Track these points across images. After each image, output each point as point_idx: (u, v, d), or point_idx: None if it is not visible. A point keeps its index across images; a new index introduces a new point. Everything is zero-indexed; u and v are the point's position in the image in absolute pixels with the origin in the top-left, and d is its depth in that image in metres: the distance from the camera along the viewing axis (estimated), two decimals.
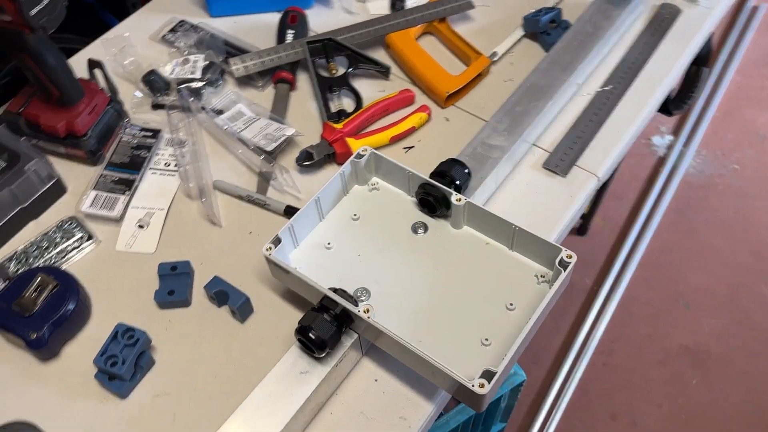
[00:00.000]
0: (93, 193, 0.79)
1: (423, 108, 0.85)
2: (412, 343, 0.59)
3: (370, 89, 0.90)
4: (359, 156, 0.72)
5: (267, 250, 0.65)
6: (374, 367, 0.67)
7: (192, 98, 0.87)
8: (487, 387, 0.56)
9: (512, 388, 1.19)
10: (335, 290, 0.62)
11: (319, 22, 0.99)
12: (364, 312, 0.60)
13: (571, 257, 0.63)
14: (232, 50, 0.92)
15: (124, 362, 0.64)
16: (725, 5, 1.01)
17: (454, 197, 0.68)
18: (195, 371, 0.67)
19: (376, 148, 0.81)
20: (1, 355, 0.68)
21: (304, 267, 0.68)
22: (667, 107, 1.03)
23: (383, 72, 0.90)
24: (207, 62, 0.89)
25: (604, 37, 0.88)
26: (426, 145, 0.85)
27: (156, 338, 0.69)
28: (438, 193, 0.69)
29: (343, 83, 0.88)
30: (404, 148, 0.84)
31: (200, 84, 0.88)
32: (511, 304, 0.64)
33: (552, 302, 0.62)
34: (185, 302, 0.71)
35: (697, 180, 1.92)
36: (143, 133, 0.85)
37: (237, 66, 0.88)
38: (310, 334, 0.60)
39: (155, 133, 0.85)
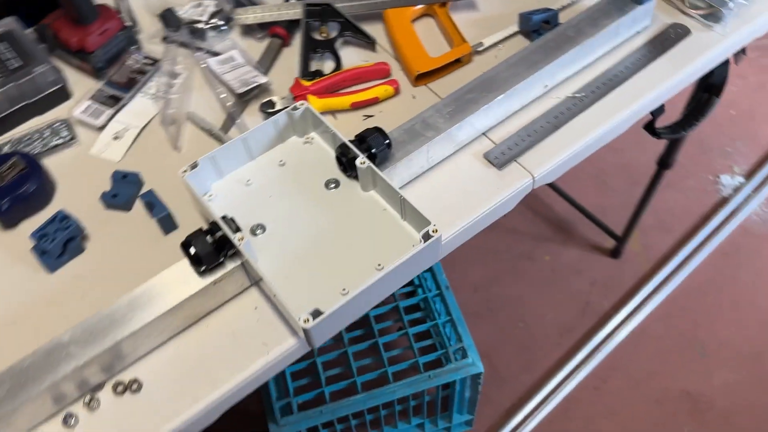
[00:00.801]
0: (87, 103, 0.91)
1: (391, 82, 0.90)
2: (270, 277, 0.65)
3: (354, 57, 0.96)
4: (295, 108, 0.78)
5: (183, 171, 0.73)
6: (258, 297, 0.74)
7: (194, 38, 0.96)
8: (311, 323, 0.61)
9: (469, 377, 1.22)
10: (225, 218, 0.70)
11: None
12: (239, 239, 0.67)
13: (436, 232, 0.66)
14: (244, 1, 1.01)
15: (53, 241, 0.76)
16: (746, 33, 0.96)
17: (359, 160, 0.72)
18: (112, 265, 0.77)
19: (336, 111, 0.88)
20: None
21: (220, 196, 0.77)
22: (653, 128, 1.00)
23: (369, 43, 0.96)
24: (217, 8, 0.99)
25: (584, 44, 0.88)
26: (385, 117, 0.89)
27: (91, 232, 0.80)
28: (349, 155, 0.74)
29: (328, 47, 0.95)
30: (364, 115, 0.90)
31: (205, 26, 0.97)
32: (379, 265, 0.69)
33: (401, 273, 0.66)
34: (126, 206, 0.82)
35: (758, 229, 1.80)
36: (145, 60, 0.96)
37: (240, 16, 0.97)
38: (190, 249, 0.68)
39: (155, 62, 0.95)
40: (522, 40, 0.97)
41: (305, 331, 0.62)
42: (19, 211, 0.81)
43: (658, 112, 0.94)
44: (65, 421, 0.66)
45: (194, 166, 0.74)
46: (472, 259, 1.77)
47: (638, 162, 1.93)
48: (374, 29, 0.99)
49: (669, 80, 0.91)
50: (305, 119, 0.80)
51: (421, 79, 0.92)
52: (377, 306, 1.32)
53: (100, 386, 0.69)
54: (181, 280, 0.70)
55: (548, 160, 0.83)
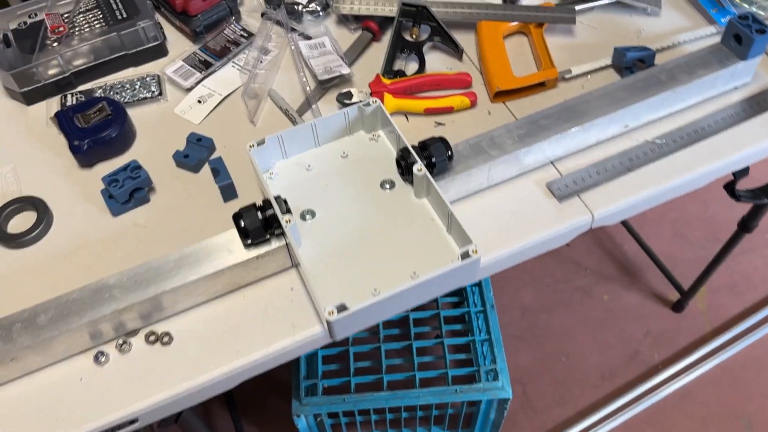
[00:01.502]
0: (180, 63, 0.96)
1: (469, 93, 0.90)
2: (308, 264, 0.67)
3: (438, 63, 0.96)
4: (367, 104, 0.80)
5: (250, 146, 0.76)
6: (296, 279, 0.76)
7: (291, 18, 0.99)
8: (335, 316, 0.62)
9: (496, 400, 1.21)
10: (278, 198, 0.72)
11: None
12: (286, 221, 0.69)
13: (475, 252, 0.66)
14: None
15: (122, 188, 0.80)
16: None
17: (417, 167, 0.73)
18: (170, 220, 0.81)
19: (409, 113, 0.89)
20: (59, 152, 0.88)
21: (280, 175, 0.79)
22: (733, 189, 0.95)
23: (457, 52, 0.96)
24: None
25: (675, 90, 0.85)
26: (456, 128, 0.89)
27: (158, 186, 0.84)
28: (409, 159, 0.75)
29: (415, 48, 0.95)
30: (436, 122, 0.90)
31: (302, 9, 1.00)
32: (415, 273, 0.69)
33: (431, 287, 0.66)
34: (195, 168, 0.86)
35: None
36: (242, 32, 0.99)
37: (338, 4, 0.99)
38: (240, 221, 0.70)
39: (250, 36, 0.99)
40: (612, 74, 0.94)
41: (328, 323, 0.63)
42: (97, 154, 0.86)
43: (741, 173, 0.90)
44: (96, 357, 0.71)
45: (261, 142, 0.76)
46: (527, 282, 1.74)
47: (721, 217, 1.84)
48: (465, 38, 0.98)
49: (760, 144, 0.86)
50: (375, 116, 0.81)
51: (501, 96, 0.91)
52: (419, 309, 1.33)
53: (134, 332, 0.73)
54: (228, 248, 0.73)
55: (612, 202, 0.81)
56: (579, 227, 0.80)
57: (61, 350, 0.70)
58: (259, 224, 0.70)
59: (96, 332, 0.70)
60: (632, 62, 0.91)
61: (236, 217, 0.71)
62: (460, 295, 1.37)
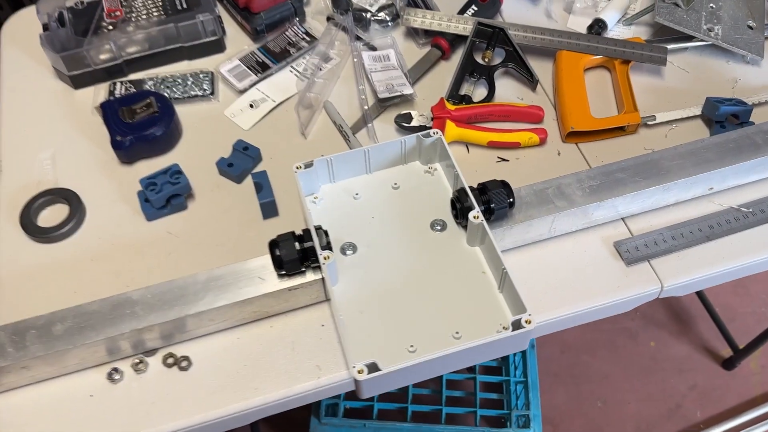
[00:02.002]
0: (236, 62, 0.91)
1: (539, 130, 0.82)
2: (343, 310, 0.62)
3: (509, 91, 0.89)
4: (427, 135, 0.73)
5: (296, 167, 0.71)
6: (328, 314, 0.71)
7: (358, 26, 0.93)
8: (365, 375, 0.57)
9: None
10: (319, 229, 0.66)
11: (514, 10, 0.98)
12: (324, 258, 0.64)
13: (529, 323, 0.59)
14: (417, 1, 0.96)
15: (159, 192, 0.76)
16: None
17: (473, 213, 0.66)
18: (206, 232, 0.77)
19: (470, 145, 0.82)
20: (100, 143, 0.84)
21: (325, 200, 0.74)
22: None
23: (531, 81, 0.88)
24: (389, 2, 0.95)
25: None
26: (520, 166, 0.82)
27: (198, 193, 0.80)
28: (465, 203, 0.68)
29: (486, 73, 0.88)
30: (499, 158, 0.83)
31: (371, 17, 0.94)
32: (458, 333, 0.63)
33: (474, 354, 0.59)
34: (238, 178, 0.81)
35: None
36: (304, 35, 0.94)
37: (409, 17, 0.92)
38: (276, 250, 0.65)
39: (313, 39, 0.93)
40: (701, 126, 0.85)
41: (356, 381, 0.57)
42: (140, 151, 0.82)
43: None
44: (110, 375, 0.67)
45: (309, 165, 0.71)
46: None
47: None
48: (541, 67, 0.91)
49: None
50: (434, 148, 0.74)
51: (574, 136, 0.83)
52: None
53: (152, 352, 0.68)
54: (260, 275, 0.68)
55: (686, 273, 0.73)
56: (644, 296, 0.73)
57: (74, 363, 0.66)
58: (296, 256, 0.65)
59: (113, 348, 0.66)
60: (725, 116, 0.82)
61: (272, 245, 0.65)
62: None
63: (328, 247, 0.65)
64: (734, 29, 0.91)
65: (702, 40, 0.90)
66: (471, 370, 1.21)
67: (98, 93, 0.89)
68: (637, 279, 0.72)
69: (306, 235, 0.66)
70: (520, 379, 1.19)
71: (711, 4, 0.92)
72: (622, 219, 0.77)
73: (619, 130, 0.84)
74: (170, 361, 0.68)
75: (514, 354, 1.25)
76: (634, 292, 0.72)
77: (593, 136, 0.84)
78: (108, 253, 0.76)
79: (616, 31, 0.95)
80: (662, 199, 0.76)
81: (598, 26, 0.93)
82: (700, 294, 1.63)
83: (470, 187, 0.69)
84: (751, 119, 0.83)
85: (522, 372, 1.20)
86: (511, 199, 0.69)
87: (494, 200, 0.68)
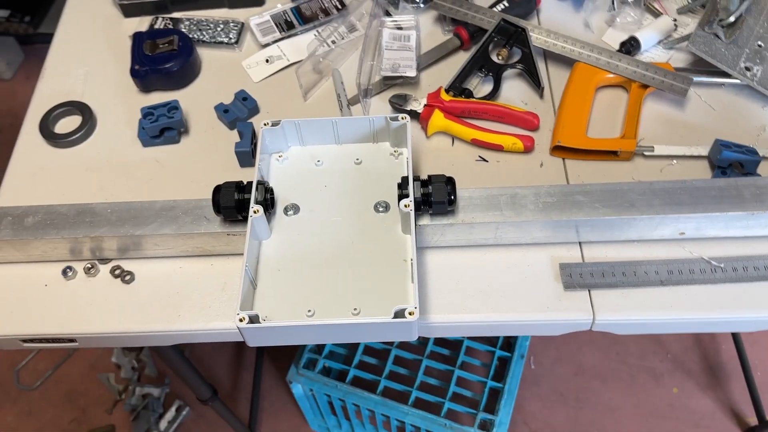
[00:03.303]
0: (266, 17, 0.96)
1: (526, 138, 0.81)
2: (252, 258, 0.66)
3: (515, 93, 0.87)
4: (395, 119, 0.74)
5: (264, 124, 0.75)
6: None
7: (389, 2, 0.95)
8: (243, 324, 0.61)
9: None
10: (261, 183, 0.70)
11: (552, 13, 0.95)
12: (254, 211, 0.68)
13: (412, 314, 0.60)
14: None
15: (155, 122, 0.83)
16: None
17: (404, 202, 0.67)
18: (188, 168, 0.83)
19: (454, 138, 0.83)
20: (126, 71, 0.92)
21: (290, 161, 0.78)
22: None
23: (537, 89, 0.86)
24: None
25: (754, 215, 0.70)
26: (499, 168, 0.81)
27: (193, 130, 0.86)
28: (404, 190, 0.69)
29: (495, 71, 0.87)
30: (479, 156, 0.82)
31: None
32: (356, 310, 0.65)
33: (364, 331, 0.62)
34: (230, 125, 0.86)
35: None
36: (337, 3, 0.97)
37: (438, 1, 0.92)
38: (216, 195, 0.70)
39: (342, 9, 0.96)
40: (704, 168, 0.80)
41: (238, 327, 0.62)
42: (155, 82, 0.89)
43: None
44: (65, 271, 0.75)
45: (276, 123, 0.75)
46: (596, 342, 1.60)
47: None
48: (558, 75, 0.88)
49: None
50: (401, 133, 0.75)
51: (561, 151, 0.81)
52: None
53: (106, 261, 0.76)
54: (206, 216, 0.73)
55: (624, 311, 0.70)
56: (572, 324, 0.71)
57: (38, 253, 0.75)
58: (233, 204, 0.69)
59: (74, 248, 0.74)
60: (728, 162, 0.76)
61: (215, 190, 0.70)
62: None
63: (265, 202, 0.69)
64: None
65: (737, 79, 0.83)
66: (454, 363, 1.21)
67: (142, 24, 0.97)
68: (571, 305, 0.71)
69: (248, 186, 0.70)
70: (498, 385, 1.18)
71: (759, 42, 0.84)
72: (579, 243, 0.75)
73: (612, 155, 0.80)
74: (117, 272, 0.75)
75: (503, 360, 1.24)
76: (562, 318, 0.70)
77: (583, 155, 0.81)
78: (101, 168, 0.84)
79: (652, 52, 0.90)
80: (623, 233, 0.73)
81: (630, 44, 0.88)
82: (741, 354, 1.52)
83: (418, 177, 0.70)
84: (758, 171, 0.77)
85: (502, 379, 1.19)
86: (452, 197, 0.69)
87: (434, 194, 0.69)
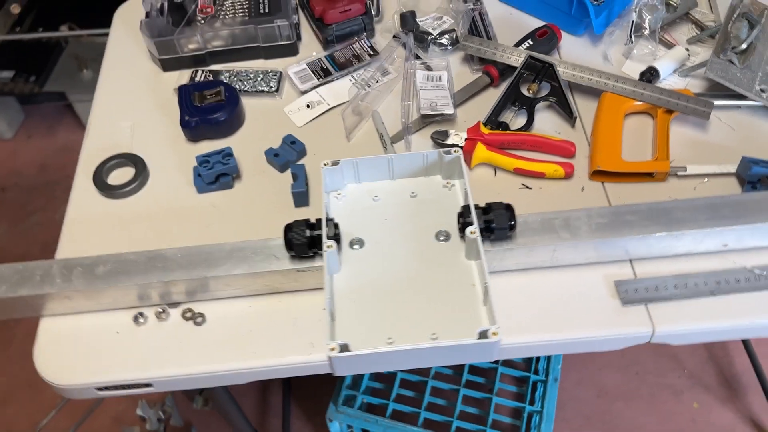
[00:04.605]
0: (303, 66, 1.00)
1: (567, 165, 0.86)
2: (334, 291, 0.68)
3: (548, 124, 0.93)
4: (448, 152, 0.79)
5: (324, 164, 0.78)
6: None
7: (419, 46, 1.00)
8: (335, 354, 0.63)
9: None
10: (330, 220, 0.74)
11: (571, 48, 1.02)
12: (327, 246, 0.71)
13: (495, 335, 0.63)
14: (480, 29, 1.01)
15: (210, 169, 0.86)
16: None
17: (470, 229, 0.71)
18: (244, 211, 0.86)
19: (498, 169, 0.87)
20: (173, 121, 0.95)
21: (348, 198, 0.81)
22: None
23: (570, 118, 0.91)
24: (450, 29, 1.01)
25: None
26: (542, 195, 0.86)
27: (245, 175, 0.90)
28: (467, 218, 0.73)
29: (527, 104, 0.92)
30: (522, 185, 0.87)
31: (431, 40, 1.00)
32: (434, 335, 0.68)
33: (444, 355, 0.64)
34: (280, 168, 0.90)
35: None
36: (369, 49, 1.02)
37: (466, 42, 0.98)
38: (288, 233, 0.73)
39: (375, 55, 1.01)
40: (734, 184, 0.85)
41: (329, 357, 0.64)
42: (204, 132, 0.93)
43: None
44: (136, 317, 0.77)
45: (336, 163, 0.78)
46: (615, 363, 1.63)
47: None
48: (585, 105, 0.94)
49: None
50: (453, 166, 0.80)
51: (600, 175, 0.86)
52: None
53: (176, 304, 0.78)
54: (275, 254, 0.76)
55: (682, 324, 0.74)
56: (634, 338, 0.74)
57: (108, 302, 0.77)
58: (305, 241, 0.72)
59: (142, 294, 0.76)
60: (758, 177, 0.82)
61: (286, 229, 0.73)
62: (526, 359, 1.32)
63: (335, 238, 0.73)
64: None
65: (753, 101, 0.90)
66: (489, 390, 1.24)
67: (182, 77, 1.01)
68: (630, 320, 0.74)
69: (318, 224, 0.73)
70: (537, 409, 1.21)
71: None
72: (630, 260, 0.79)
73: (648, 176, 0.86)
74: (188, 315, 0.77)
75: (537, 387, 1.26)
76: (625, 332, 0.74)
77: (620, 178, 0.86)
78: (159, 215, 0.86)
79: (669, 80, 0.96)
80: (671, 247, 0.77)
81: (650, 74, 0.95)
82: (756, 365, 1.56)
83: (477, 206, 0.74)
84: None
85: (540, 403, 1.22)
86: (512, 222, 0.73)
87: (496, 220, 0.73)
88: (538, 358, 1.30)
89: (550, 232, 0.76)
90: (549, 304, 0.76)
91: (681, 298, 0.75)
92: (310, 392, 1.60)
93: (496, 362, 1.28)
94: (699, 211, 0.77)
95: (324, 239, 0.71)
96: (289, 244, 0.73)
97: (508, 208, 0.74)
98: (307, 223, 0.73)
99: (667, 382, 1.60)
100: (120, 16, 1.13)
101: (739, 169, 0.85)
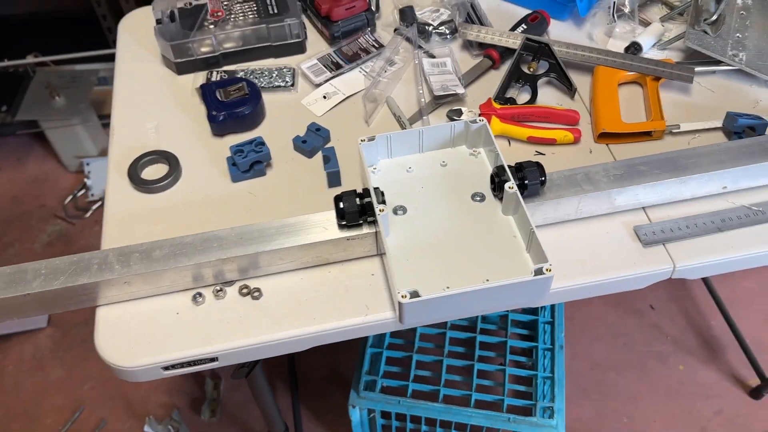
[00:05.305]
0: (314, 61, 1.06)
1: (574, 130, 0.94)
2: (392, 252, 0.74)
3: (550, 97, 1.01)
4: (474, 122, 0.86)
5: (361, 140, 0.84)
6: (378, 266, 0.82)
7: (421, 37, 1.07)
8: (407, 299, 0.68)
9: None
10: (376, 189, 0.79)
11: (559, 32, 1.11)
12: (380, 210, 0.76)
13: (549, 271, 0.70)
14: (474, 19, 1.10)
15: (245, 157, 0.90)
16: None
17: (509, 185, 0.78)
18: (280, 195, 0.90)
19: (512, 138, 0.94)
20: (196, 119, 0.99)
21: (382, 171, 0.87)
22: None
23: (570, 90, 1.00)
24: (449, 18, 1.09)
25: None
26: (555, 159, 0.93)
27: (275, 163, 0.94)
28: (503, 177, 0.80)
29: (530, 80, 1.00)
30: (536, 152, 0.94)
31: (432, 30, 1.08)
32: (487, 280, 0.74)
33: (499, 295, 0.70)
34: (309, 153, 0.94)
35: None
36: (374, 43, 1.09)
37: (466, 30, 1.06)
38: (339, 202, 0.78)
39: (380, 47, 1.08)
40: (721, 137, 0.96)
41: (400, 305, 0.69)
42: (230, 126, 0.97)
43: None
44: (194, 297, 0.80)
45: (372, 138, 0.84)
46: (603, 336, 1.72)
47: None
48: (580, 79, 1.03)
49: None
50: (479, 134, 0.87)
51: (605, 137, 0.94)
52: (487, 333, 1.36)
53: (231, 282, 0.81)
54: (324, 225, 0.80)
55: (697, 257, 0.82)
56: (658, 274, 0.82)
57: (167, 284, 0.80)
58: (356, 209, 0.77)
59: (198, 275, 0.80)
60: (742, 128, 0.92)
61: (337, 199, 0.78)
62: (531, 329, 1.39)
63: (383, 203, 0.78)
64: (758, 56, 1.01)
65: (728, 65, 1.01)
66: (502, 363, 1.30)
67: (197, 79, 1.05)
68: (653, 259, 0.82)
69: (365, 193, 0.79)
70: (548, 375, 1.28)
71: (737, 34, 1.02)
72: (643, 208, 0.87)
73: (646, 135, 0.95)
74: (245, 291, 0.81)
75: (544, 355, 1.33)
76: (649, 270, 0.82)
77: (622, 139, 0.95)
78: (198, 205, 0.90)
79: (650, 54, 1.06)
80: (679, 192, 0.86)
81: (634, 48, 1.05)
82: (731, 324, 1.68)
83: (508, 165, 0.81)
84: (766, 134, 0.93)
85: (550, 369, 1.28)
86: (543, 178, 0.81)
87: (528, 176, 0.80)
88: (543, 330, 1.37)
89: (574, 185, 0.83)
90: (579, 253, 0.83)
91: (693, 237, 0.84)
92: (318, 392, 1.62)
93: (505, 335, 1.34)
94: (700, 158, 0.86)
95: (375, 204, 0.77)
96: (341, 213, 0.78)
97: (539, 166, 0.81)
98: (355, 193, 0.79)
99: (653, 350, 1.70)
100: (125, 26, 1.17)
101: (725, 123, 0.95)
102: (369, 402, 1.25)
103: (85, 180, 2.02)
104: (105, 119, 2.11)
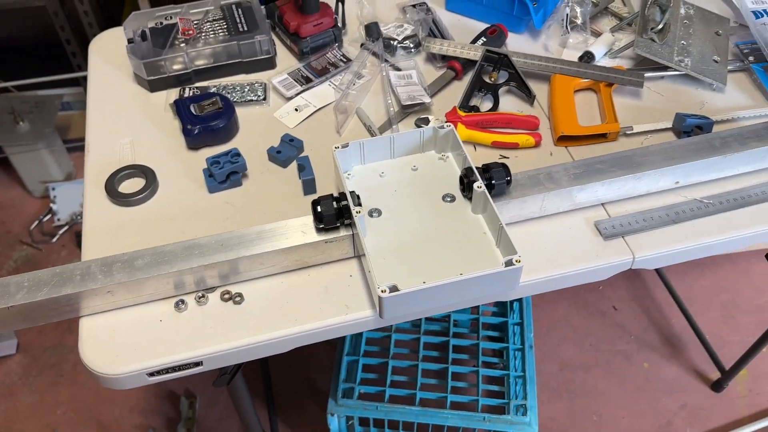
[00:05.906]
0: (285, 75, 1.10)
1: (535, 135, 0.99)
2: (370, 251, 0.77)
3: (510, 105, 1.07)
4: (442, 127, 0.90)
5: (335, 147, 0.88)
6: (356, 268, 0.86)
7: (386, 51, 1.12)
8: (387, 294, 0.72)
9: None
10: (352, 192, 0.83)
11: (516, 44, 1.17)
12: (356, 212, 0.80)
13: (518, 261, 0.74)
14: (437, 33, 1.15)
15: (221, 168, 0.93)
16: None
17: (477, 184, 0.83)
18: (257, 204, 0.93)
19: (477, 144, 0.99)
20: (171, 133, 1.02)
21: (356, 177, 0.90)
22: None
23: (529, 98, 1.06)
24: (413, 33, 1.14)
25: (726, 157, 0.91)
26: (518, 162, 0.99)
27: (251, 173, 0.97)
28: (471, 178, 0.84)
29: (491, 89, 1.06)
30: (501, 155, 0.99)
31: (397, 45, 1.13)
32: (461, 273, 0.78)
33: (473, 287, 0.74)
34: (284, 163, 0.98)
35: None
36: (342, 57, 1.13)
37: (428, 44, 1.11)
38: (317, 206, 0.81)
39: (348, 61, 1.12)
40: (671, 136, 1.02)
41: (380, 300, 0.72)
42: (205, 139, 0.99)
43: None
44: (177, 304, 0.82)
45: (345, 146, 0.88)
46: (570, 338, 1.78)
47: None
48: (538, 87, 1.09)
49: None
50: (447, 139, 0.91)
51: (564, 140, 1.00)
52: (459, 336, 1.40)
53: (212, 289, 0.84)
54: (302, 230, 0.83)
55: (654, 248, 0.88)
56: (619, 265, 0.87)
57: (149, 292, 0.81)
58: (333, 212, 0.81)
59: (180, 282, 0.82)
60: (691, 128, 0.99)
61: (315, 203, 0.82)
62: (501, 331, 1.44)
63: (359, 205, 0.81)
64: (702, 62, 1.08)
65: (675, 70, 1.08)
66: (475, 365, 1.33)
67: (169, 96, 1.08)
68: (613, 251, 0.87)
69: (342, 197, 0.82)
70: (519, 374, 1.32)
71: (682, 41, 1.10)
72: (602, 204, 0.93)
73: (602, 137, 1.01)
74: (226, 296, 0.83)
75: (515, 355, 1.38)
76: (610, 261, 0.87)
77: (580, 141, 1.00)
78: (176, 216, 0.92)
79: (602, 62, 1.13)
80: (635, 188, 0.92)
81: (587, 57, 1.11)
82: (691, 322, 1.76)
83: (476, 167, 0.86)
84: (713, 132, 0.99)
85: (522, 369, 1.33)
86: (509, 177, 0.85)
87: (495, 177, 0.84)
88: (512, 332, 1.42)
89: (537, 184, 0.88)
90: (545, 248, 0.88)
91: (650, 229, 0.89)
92: (294, 407, 1.63)
93: (477, 338, 1.38)
94: (653, 155, 0.92)
95: (352, 206, 0.80)
96: (319, 216, 0.81)
97: (504, 166, 0.86)
98: (332, 197, 0.82)
99: (618, 349, 1.77)
100: (95, 48, 1.19)
101: (674, 123, 1.01)
102: (347, 409, 1.27)
103: (51, 205, 2.01)
104: (70, 143, 2.11)
